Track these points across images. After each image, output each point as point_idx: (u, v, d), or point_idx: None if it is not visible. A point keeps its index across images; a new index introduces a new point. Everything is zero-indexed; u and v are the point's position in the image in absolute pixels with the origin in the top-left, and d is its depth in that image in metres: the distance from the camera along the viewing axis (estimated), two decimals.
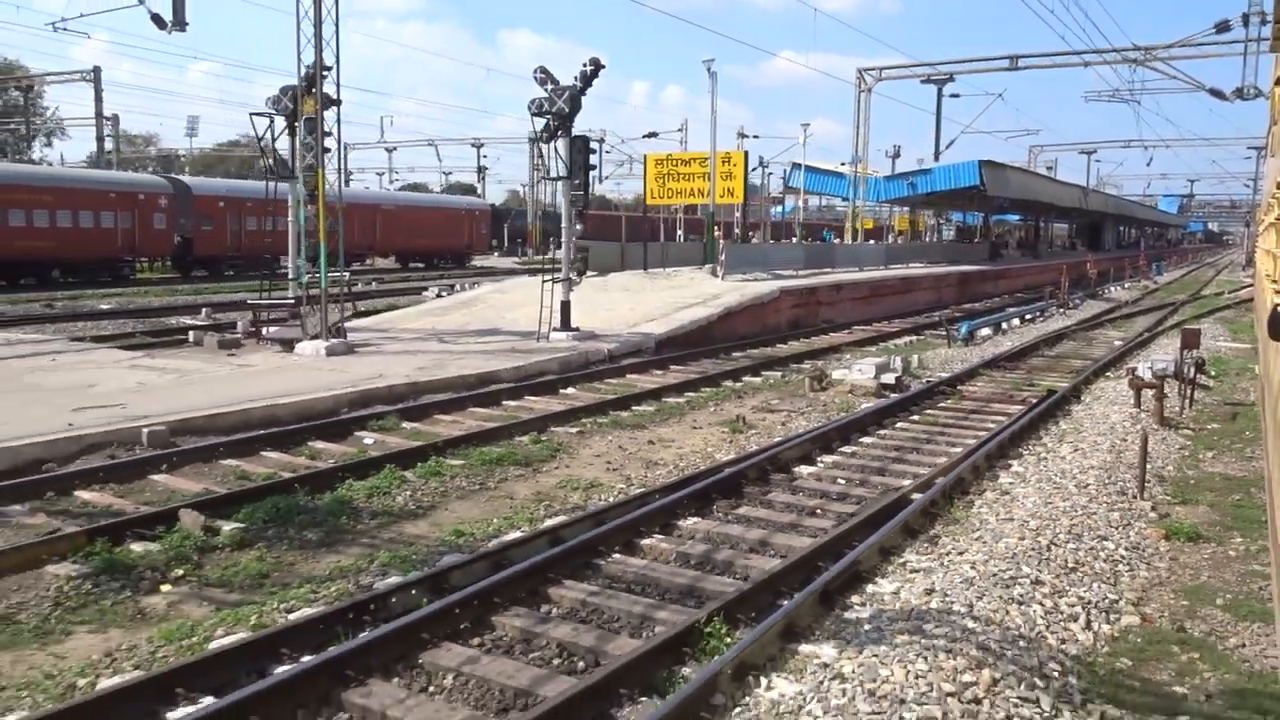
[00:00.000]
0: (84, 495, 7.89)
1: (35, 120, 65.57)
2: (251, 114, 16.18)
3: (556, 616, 5.71)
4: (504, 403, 12.18)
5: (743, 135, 46.37)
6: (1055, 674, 4.91)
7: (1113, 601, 6.03)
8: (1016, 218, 65.58)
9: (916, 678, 4.60)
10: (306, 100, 14.18)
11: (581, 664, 5.09)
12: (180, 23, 17.23)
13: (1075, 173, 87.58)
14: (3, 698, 4.71)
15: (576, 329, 16.80)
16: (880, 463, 9.42)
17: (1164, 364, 12.04)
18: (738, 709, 4.46)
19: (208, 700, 4.50)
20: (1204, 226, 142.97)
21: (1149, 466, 8.90)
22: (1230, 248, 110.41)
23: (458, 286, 30.07)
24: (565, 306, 16.71)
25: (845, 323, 23.64)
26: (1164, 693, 4.91)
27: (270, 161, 16.46)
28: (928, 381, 14.07)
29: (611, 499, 8.08)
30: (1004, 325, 22.34)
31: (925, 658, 4.80)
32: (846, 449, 10.01)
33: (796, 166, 37.01)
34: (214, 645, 5.16)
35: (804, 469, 9.20)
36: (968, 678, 4.63)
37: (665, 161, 27.81)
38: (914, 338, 21.50)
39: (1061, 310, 27.07)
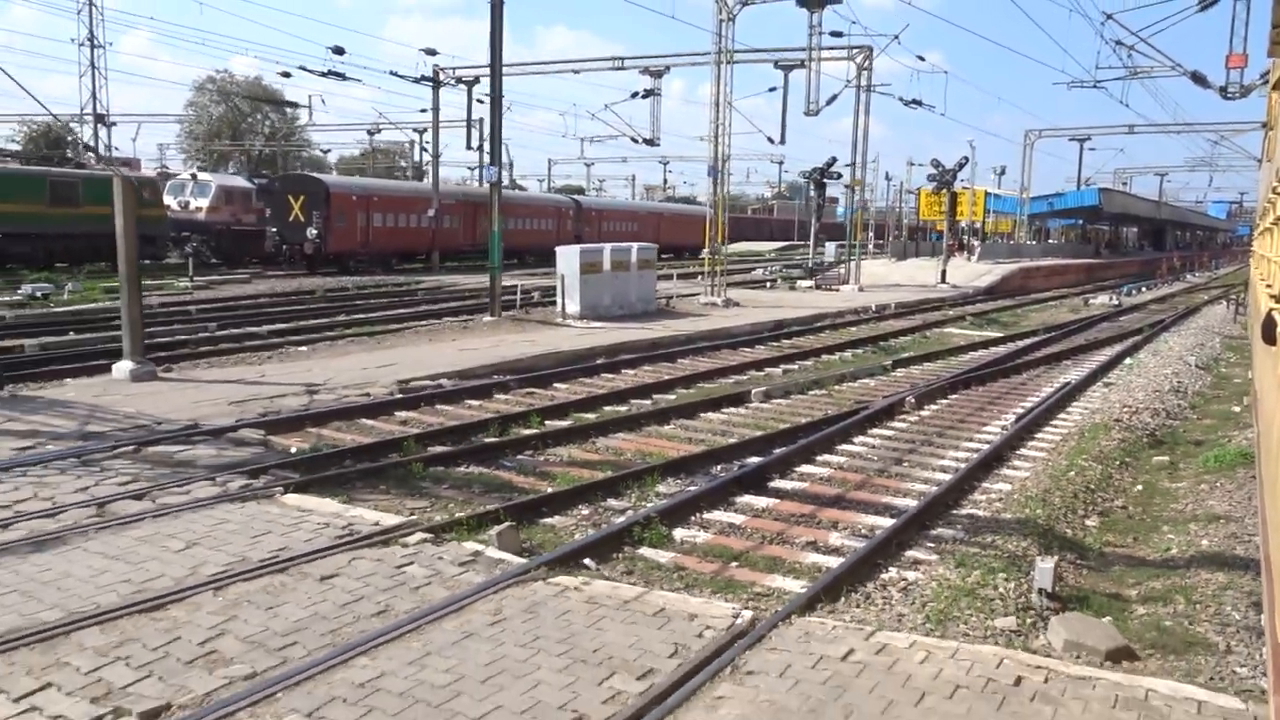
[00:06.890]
0: (909, 316, 26.38)
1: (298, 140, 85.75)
2: (803, 184, 34.62)
3: (1102, 334, 23.90)
4: (976, 307, 30.43)
5: (913, 163, 65.05)
6: (1223, 335, 23.13)
7: (1231, 332, 24.21)
8: (1077, 222, 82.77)
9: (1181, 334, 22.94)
10: (855, 180, 32.42)
11: (1104, 338, 23.24)
12: (783, 139, 35.24)
13: (1146, 187, 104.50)
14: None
15: (948, 283, 35.01)
16: (1140, 320, 27.55)
17: (1238, 295, 30.15)
18: (1155, 340, 22.65)
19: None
20: (1250, 230, 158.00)
21: (1235, 317, 27.05)
22: None
23: (775, 268, 48.33)
24: (943, 273, 35.01)
25: (1041, 289, 41.54)
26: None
27: (807, 204, 34.88)
28: (1130, 305, 32.12)
29: (1067, 320, 26.19)
30: (1142, 289, 40.36)
31: (1180, 339, 23.11)
32: (1125, 316, 28.16)
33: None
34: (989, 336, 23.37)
35: (1120, 318, 27.40)
36: (1194, 335, 22.95)
37: (931, 195, 45.97)
38: (1091, 295, 39.36)
39: (1165, 284, 44.93)
